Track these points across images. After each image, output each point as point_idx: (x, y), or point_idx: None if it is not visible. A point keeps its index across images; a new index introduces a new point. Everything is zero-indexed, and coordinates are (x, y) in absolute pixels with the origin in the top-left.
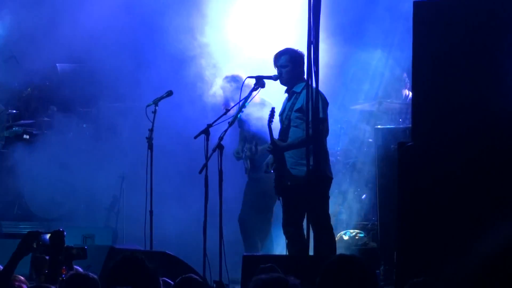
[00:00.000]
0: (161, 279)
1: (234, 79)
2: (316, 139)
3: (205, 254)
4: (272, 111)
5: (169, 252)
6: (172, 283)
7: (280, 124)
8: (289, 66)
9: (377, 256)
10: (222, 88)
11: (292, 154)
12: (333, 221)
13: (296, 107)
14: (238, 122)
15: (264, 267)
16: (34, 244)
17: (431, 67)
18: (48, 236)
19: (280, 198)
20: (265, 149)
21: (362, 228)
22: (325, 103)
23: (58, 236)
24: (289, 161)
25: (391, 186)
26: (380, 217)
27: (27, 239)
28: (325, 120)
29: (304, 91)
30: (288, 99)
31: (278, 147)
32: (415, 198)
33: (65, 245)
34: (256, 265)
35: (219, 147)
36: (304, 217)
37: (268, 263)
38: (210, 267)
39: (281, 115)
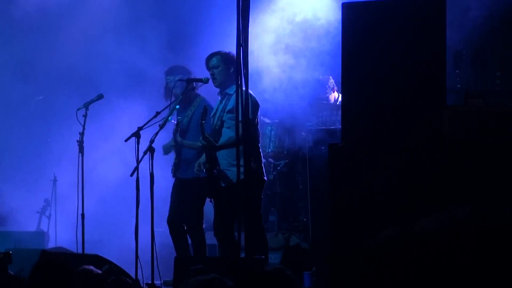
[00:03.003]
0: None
1: (174, 70)
2: (247, 140)
3: (137, 257)
4: (205, 109)
5: (101, 255)
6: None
7: (211, 126)
8: (221, 66)
9: (309, 256)
10: (167, 81)
11: (225, 155)
12: (264, 223)
13: (228, 108)
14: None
15: (194, 268)
16: None
17: (360, 68)
18: None
19: (212, 199)
20: (192, 146)
21: (294, 229)
22: (255, 106)
23: None
24: (223, 163)
25: (322, 187)
26: (311, 218)
27: None
28: (253, 122)
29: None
30: (220, 101)
31: (211, 144)
32: (347, 198)
33: None
34: (188, 266)
35: (150, 149)
36: (234, 220)
37: (199, 264)
38: (142, 269)
39: (213, 116)
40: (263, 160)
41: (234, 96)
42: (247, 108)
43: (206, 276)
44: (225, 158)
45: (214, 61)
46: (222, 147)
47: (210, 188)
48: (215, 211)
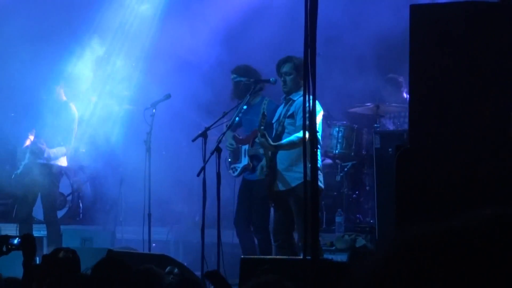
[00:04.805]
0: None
1: (241, 70)
2: (305, 145)
3: (203, 257)
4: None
5: (168, 255)
6: None
7: (274, 131)
8: (294, 73)
9: None
10: (232, 79)
11: (283, 159)
12: (331, 224)
13: (289, 113)
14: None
15: (261, 269)
16: (4, 247)
17: (428, 69)
18: (16, 240)
19: (272, 203)
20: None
21: (360, 230)
22: (319, 113)
23: (28, 240)
24: (280, 167)
25: (389, 189)
26: (378, 220)
27: None
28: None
29: (299, 98)
30: (283, 106)
31: (267, 141)
32: (413, 201)
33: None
34: (254, 267)
35: (217, 150)
36: (294, 224)
37: (265, 265)
38: (208, 269)
39: (276, 121)
40: (329, 161)
41: (296, 102)
42: (314, 112)
43: (267, 278)
44: (282, 162)
45: (287, 67)
46: (278, 147)
47: (270, 192)
48: (274, 215)
